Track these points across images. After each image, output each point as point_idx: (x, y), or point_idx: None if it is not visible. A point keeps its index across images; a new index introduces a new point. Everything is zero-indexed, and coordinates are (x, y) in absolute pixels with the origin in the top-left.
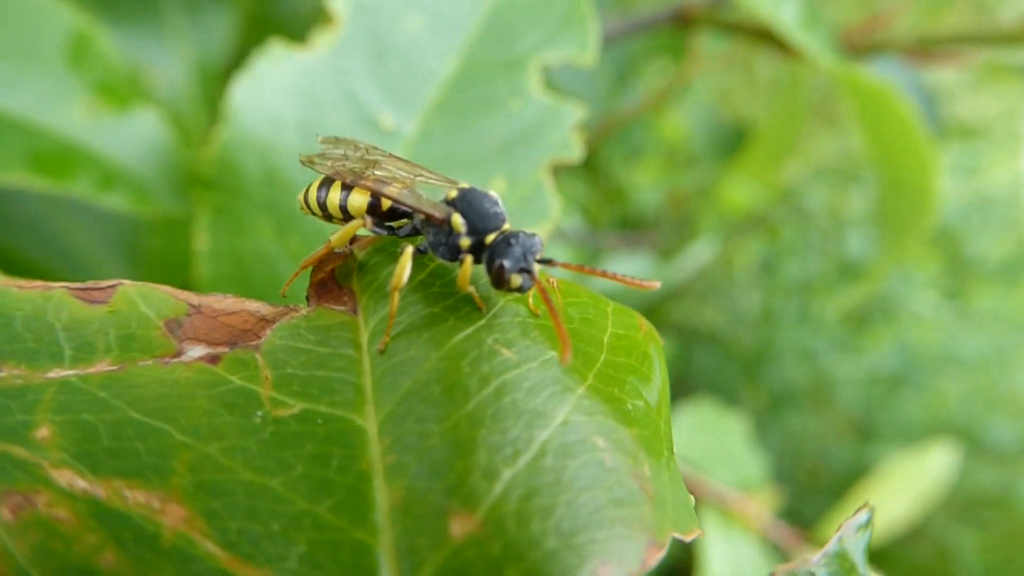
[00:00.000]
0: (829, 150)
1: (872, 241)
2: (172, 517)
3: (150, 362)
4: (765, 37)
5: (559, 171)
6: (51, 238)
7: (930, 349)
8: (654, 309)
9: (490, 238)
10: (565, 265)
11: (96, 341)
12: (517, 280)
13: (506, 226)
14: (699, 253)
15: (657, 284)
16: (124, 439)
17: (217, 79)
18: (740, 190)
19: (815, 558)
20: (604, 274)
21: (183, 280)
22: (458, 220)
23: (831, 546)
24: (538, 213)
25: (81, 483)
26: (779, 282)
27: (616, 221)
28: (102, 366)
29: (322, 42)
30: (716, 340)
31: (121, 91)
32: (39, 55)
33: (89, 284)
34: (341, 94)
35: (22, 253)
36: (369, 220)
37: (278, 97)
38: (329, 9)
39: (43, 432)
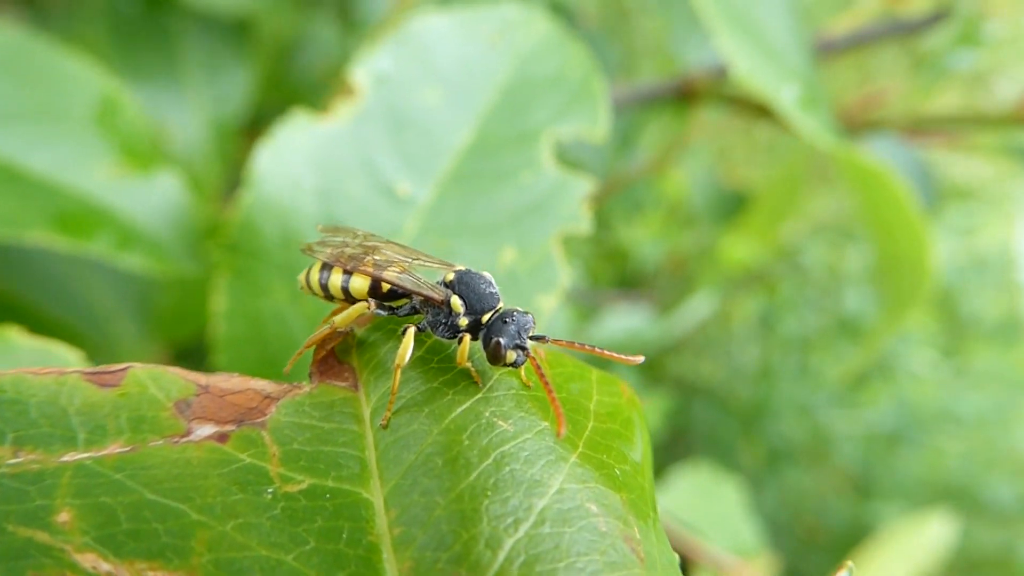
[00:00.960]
0: (826, 208)
1: (869, 298)
2: None
3: (161, 442)
4: (765, 113)
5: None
6: (71, 295)
7: (928, 406)
8: (652, 364)
9: (486, 317)
10: (556, 341)
11: (108, 424)
12: (512, 356)
13: (500, 305)
14: (697, 308)
15: (640, 359)
16: (143, 520)
17: (232, 136)
18: (739, 247)
19: None
20: (593, 350)
21: (196, 337)
22: (457, 302)
23: None
24: (547, 282)
25: (105, 566)
26: (777, 337)
27: (616, 277)
28: (114, 448)
29: (343, 111)
30: (714, 395)
31: (144, 153)
32: (68, 117)
33: (101, 368)
34: (359, 162)
35: (43, 309)
36: (372, 303)
37: (299, 164)
38: (350, 81)
39: (64, 516)
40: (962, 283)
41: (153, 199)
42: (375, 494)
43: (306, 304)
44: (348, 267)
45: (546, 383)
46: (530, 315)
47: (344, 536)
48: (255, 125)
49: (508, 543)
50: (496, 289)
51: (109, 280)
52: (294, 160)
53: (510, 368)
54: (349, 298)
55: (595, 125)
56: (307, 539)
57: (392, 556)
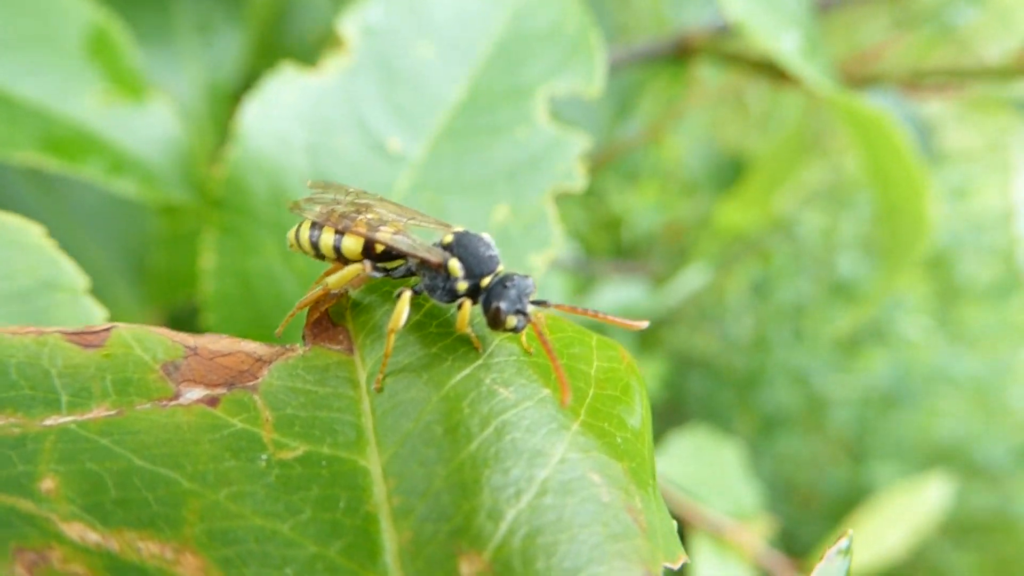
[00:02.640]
0: (819, 176)
1: (863, 263)
2: (188, 568)
3: (148, 405)
4: (763, 67)
5: (560, 199)
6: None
7: (922, 369)
8: (648, 335)
9: (486, 281)
10: (558, 306)
11: (92, 386)
12: (512, 321)
13: (500, 268)
14: (691, 279)
15: (645, 324)
16: (132, 488)
17: (226, 100)
18: (736, 215)
19: None
20: (595, 315)
21: (187, 297)
22: (455, 265)
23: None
24: (541, 241)
25: (93, 536)
26: (771, 306)
27: (611, 248)
28: (100, 411)
29: (332, 66)
30: (709, 366)
31: (135, 83)
32: (58, 46)
33: (84, 328)
34: (350, 117)
35: None
36: (368, 264)
37: (287, 119)
38: (340, 33)
39: (48, 483)
40: (956, 246)
41: (145, 127)
42: (372, 462)
43: (297, 262)
44: (339, 227)
45: (549, 350)
46: (530, 279)
47: (341, 505)
48: (247, 90)
49: (510, 515)
50: (496, 252)
51: (102, 242)
52: (282, 115)
53: (510, 334)
54: (341, 258)
55: (590, 81)
56: (303, 508)
57: (391, 526)
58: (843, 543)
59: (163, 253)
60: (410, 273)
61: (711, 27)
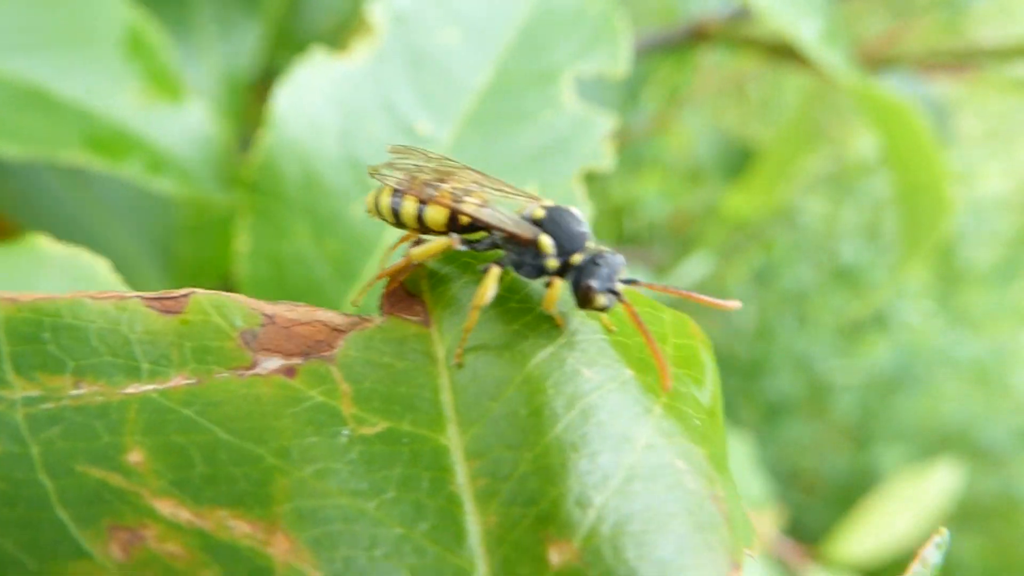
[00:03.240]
0: (820, 162)
1: (866, 250)
2: (279, 549)
3: (226, 374)
4: (779, 53)
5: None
6: (89, 240)
7: (925, 352)
8: None
9: (576, 258)
10: (649, 285)
11: (172, 354)
12: (603, 300)
13: (590, 244)
14: (694, 268)
15: (738, 304)
16: (219, 464)
17: (244, 90)
18: (744, 204)
19: None
20: (686, 294)
21: (217, 282)
22: (546, 241)
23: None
24: None
25: (185, 513)
26: (774, 294)
27: (614, 237)
28: (180, 380)
29: (361, 51)
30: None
31: (170, 83)
32: (94, 45)
33: (162, 293)
34: (379, 102)
35: None
36: (456, 238)
37: (319, 104)
38: (368, 19)
39: (135, 456)
40: (958, 231)
41: (181, 126)
42: (452, 441)
43: (329, 246)
44: (423, 196)
45: (646, 331)
46: (620, 256)
47: (424, 485)
48: (265, 80)
49: (598, 501)
50: (587, 228)
51: (130, 232)
52: (314, 100)
53: (594, 312)
54: (423, 227)
55: (616, 62)
56: (386, 487)
57: (475, 509)
58: (938, 539)
59: (188, 242)
60: (494, 246)
61: (725, 14)
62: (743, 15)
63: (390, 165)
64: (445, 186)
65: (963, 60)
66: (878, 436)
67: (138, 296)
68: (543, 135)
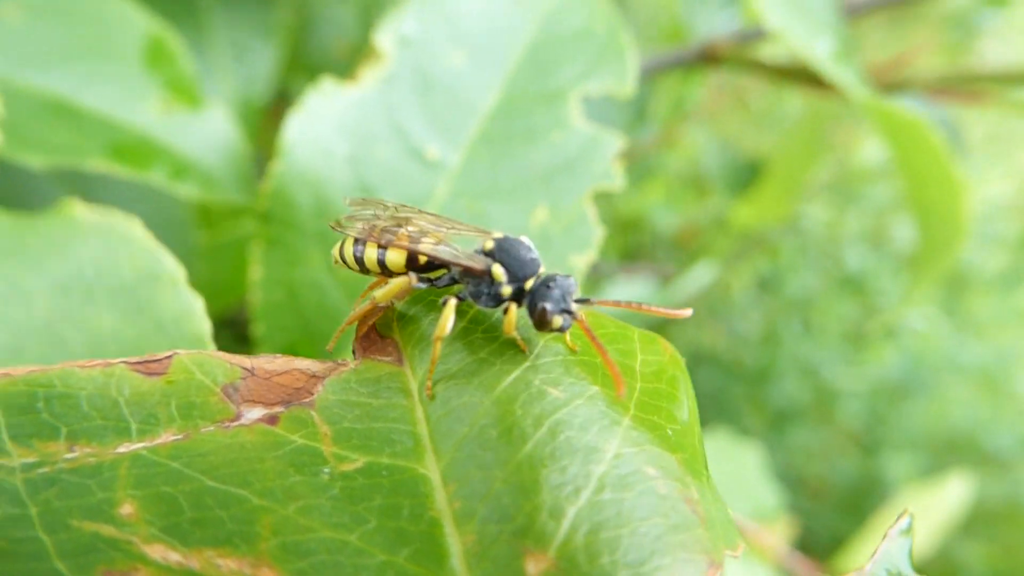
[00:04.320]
0: (824, 170)
1: (870, 257)
2: None
3: (212, 428)
4: (789, 74)
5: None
6: None
7: (931, 359)
8: (655, 332)
9: (529, 283)
10: (601, 302)
11: (159, 412)
12: (559, 321)
13: (542, 270)
14: (699, 276)
15: (689, 312)
16: (206, 508)
17: (258, 113)
18: (751, 217)
19: (868, 566)
20: (640, 307)
21: (232, 304)
22: (498, 270)
23: (879, 555)
24: (581, 241)
25: (175, 556)
26: (779, 301)
27: (620, 250)
28: (168, 436)
29: (369, 77)
30: (718, 361)
31: (191, 91)
32: (117, 56)
33: (146, 357)
34: (389, 127)
35: None
36: (414, 277)
37: (329, 131)
38: (375, 44)
39: (127, 508)
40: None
41: (203, 132)
42: (431, 469)
43: (341, 273)
44: (382, 241)
45: (599, 345)
46: (572, 278)
47: (405, 512)
48: (278, 103)
49: (571, 511)
50: (536, 254)
51: None
52: (324, 127)
53: (555, 334)
54: (386, 271)
55: (623, 81)
56: (368, 518)
57: (455, 530)
58: (904, 523)
59: (205, 263)
60: (454, 281)
61: (735, 34)
62: (753, 36)
63: (350, 217)
64: (402, 230)
65: (971, 85)
66: (885, 442)
67: (123, 362)
68: (552, 155)
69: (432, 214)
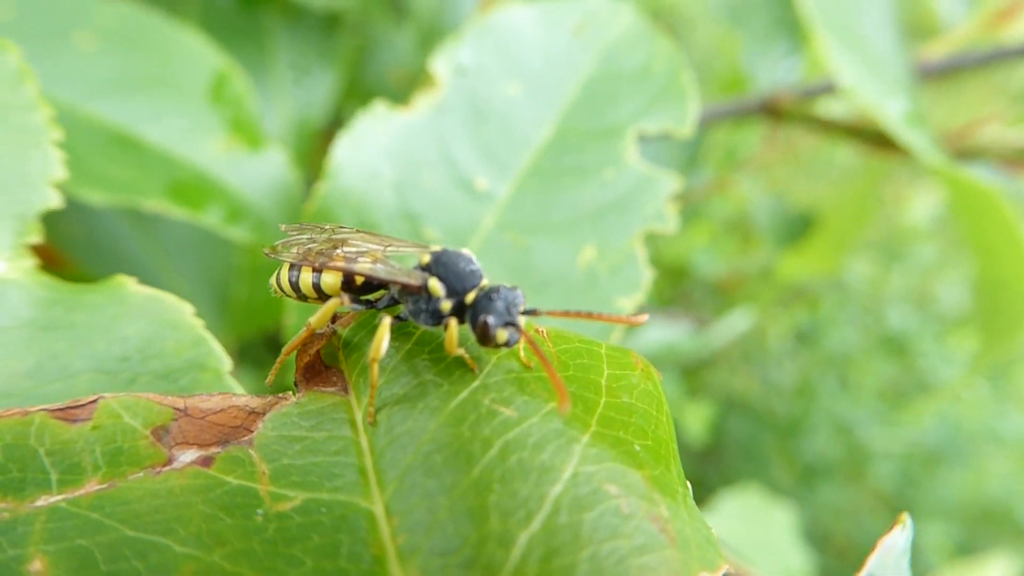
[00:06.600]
0: (873, 225)
1: (913, 317)
2: None
3: (141, 474)
4: (854, 132)
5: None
6: (148, 280)
7: (969, 425)
8: (689, 377)
9: (470, 297)
10: (550, 313)
11: (83, 461)
12: (503, 335)
13: (484, 282)
14: (735, 322)
15: (645, 318)
16: (122, 559)
17: (313, 137)
18: (801, 267)
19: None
20: (590, 316)
21: (270, 324)
22: (435, 284)
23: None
24: (629, 283)
25: None
26: (817, 353)
27: (656, 292)
28: (91, 486)
29: (423, 103)
30: (750, 409)
31: (252, 130)
32: (182, 90)
33: (68, 403)
34: (438, 154)
35: None
36: (346, 297)
37: (376, 155)
38: (431, 72)
39: (36, 565)
40: None
41: (260, 174)
42: (375, 502)
43: None
44: (316, 264)
45: (542, 357)
46: (519, 290)
47: (344, 551)
48: (333, 128)
49: (522, 538)
50: (477, 266)
51: (189, 274)
52: (372, 151)
53: (505, 349)
54: (323, 296)
55: (683, 121)
56: (303, 559)
57: (398, 568)
58: (906, 521)
59: (244, 285)
60: (394, 302)
61: (799, 89)
62: (818, 90)
63: (286, 243)
64: (338, 251)
65: None
66: (917, 505)
67: (43, 409)
68: (604, 193)
69: (371, 233)
